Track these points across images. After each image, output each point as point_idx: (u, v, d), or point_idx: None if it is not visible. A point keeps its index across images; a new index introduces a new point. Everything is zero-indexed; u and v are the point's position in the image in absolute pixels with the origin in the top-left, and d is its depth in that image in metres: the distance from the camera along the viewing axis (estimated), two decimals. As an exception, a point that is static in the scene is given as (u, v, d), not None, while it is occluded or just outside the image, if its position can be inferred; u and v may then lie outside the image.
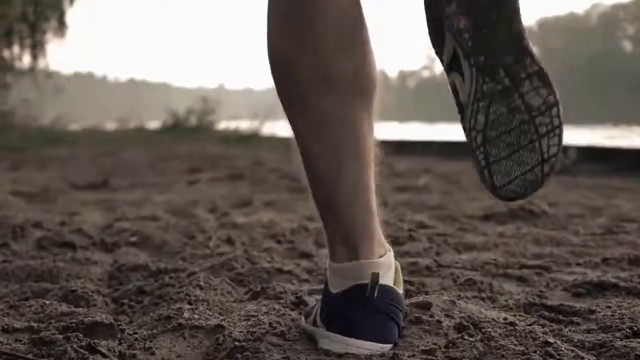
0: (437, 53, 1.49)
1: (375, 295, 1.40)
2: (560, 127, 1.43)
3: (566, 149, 7.29)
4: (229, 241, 2.47)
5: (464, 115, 1.45)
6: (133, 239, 2.53)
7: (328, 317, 1.43)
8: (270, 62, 1.46)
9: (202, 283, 1.76)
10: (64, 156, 8.76)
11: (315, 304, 1.52)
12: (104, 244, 2.47)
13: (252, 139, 12.44)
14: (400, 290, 1.46)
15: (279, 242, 2.50)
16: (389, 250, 1.49)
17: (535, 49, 1.47)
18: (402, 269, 1.50)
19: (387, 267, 1.44)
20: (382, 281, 1.41)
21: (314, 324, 1.46)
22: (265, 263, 2.04)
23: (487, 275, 2.00)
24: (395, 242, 2.46)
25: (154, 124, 17.37)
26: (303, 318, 1.52)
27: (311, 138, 1.46)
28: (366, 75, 1.45)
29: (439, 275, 1.96)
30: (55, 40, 19.98)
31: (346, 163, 1.46)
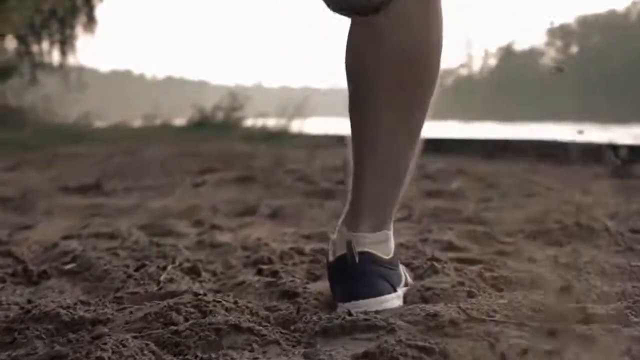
0: None
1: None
2: None
3: (616, 147, 6.65)
4: (192, 271, 1.86)
5: None
6: (69, 266, 1.94)
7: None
8: None
9: (109, 353, 1.16)
10: (77, 154, 8.23)
11: None
12: (27, 274, 1.87)
13: (278, 136, 11.89)
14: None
15: (259, 272, 1.89)
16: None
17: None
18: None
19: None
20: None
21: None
22: (222, 313, 1.43)
23: (539, 333, 1.38)
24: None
25: (181, 121, 16.93)
26: None
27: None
28: None
29: (470, 337, 1.34)
30: (85, 36, 19.71)
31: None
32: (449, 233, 2.48)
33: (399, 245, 2.14)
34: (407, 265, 1.96)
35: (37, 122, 12.87)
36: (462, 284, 1.66)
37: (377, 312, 1.47)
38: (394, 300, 1.58)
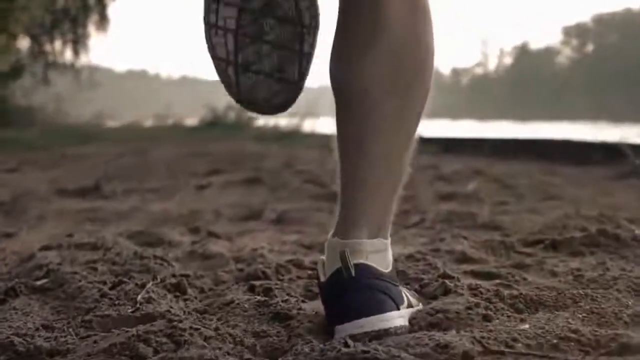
0: None
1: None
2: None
3: (635, 147, 6.44)
4: (177, 288, 1.67)
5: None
6: (41, 282, 1.74)
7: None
8: None
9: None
10: (84, 155, 8.06)
11: None
12: (-9, 291, 1.68)
13: (290, 136, 11.70)
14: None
15: (251, 288, 1.69)
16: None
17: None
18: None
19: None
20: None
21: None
22: (199, 344, 1.23)
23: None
24: (420, 292, 1.65)
25: (193, 121, 16.76)
26: None
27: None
28: None
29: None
30: (98, 35, 19.62)
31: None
32: (463, 243, 2.27)
33: (409, 257, 1.95)
34: (416, 280, 1.76)
35: (46, 122, 12.73)
36: (477, 305, 1.46)
37: (378, 342, 1.26)
38: (397, 319, 1.37)
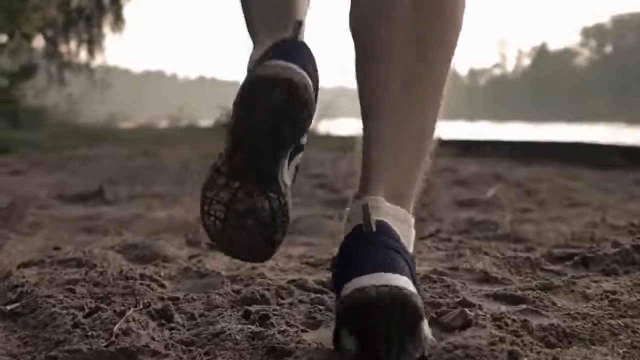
0: None
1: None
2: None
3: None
4: (162, 315, 1.48)
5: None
6: (12, 307, 1.55)
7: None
8: None
9: None
10: (93, 157, 7.90)
11: None
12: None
13: (305, 138, 11.53)
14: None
15: (246, 315, 1.49)
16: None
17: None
18: None
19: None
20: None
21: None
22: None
23: None
24: (436, 321, 1.46)
25: (208, 122, 16.61)
26: None
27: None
28: None
29: None
30: (113, 36, 19.59)
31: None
32: (484, 259, 2.07)
33: (424, 278, 1.76)
34: (432, 305, 1.57)
35: (58, 123, 12.59)
36: (502, 340, 1.26)
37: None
38: (411, 287, 1.23)
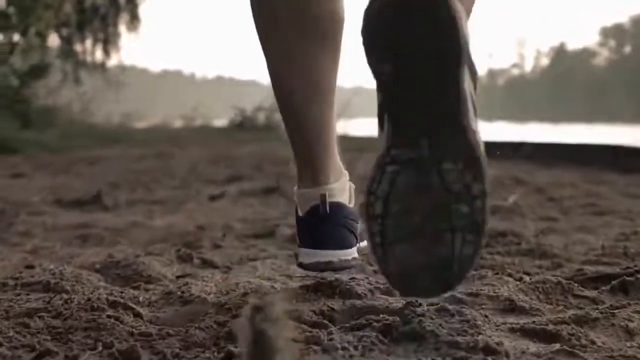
0: None
1: (328, 210, 1.63)
2: (480, 225, 1.23)
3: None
4: (126, 358, 1.24)
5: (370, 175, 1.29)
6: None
7: (299, 235, 1.71)
8: None
9: None
10: (102, 157, 7.71)
11: None
12: None
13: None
14: (351, 204, 1.72)
15: (228, 358, 1.26)
16: (345, 176, 1.74)
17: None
18: None
19: (340, 190, 1.69)
20: (335, 199, 1.66)
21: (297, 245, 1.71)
22: None
23: None
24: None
25: (222, 122, 16.45)
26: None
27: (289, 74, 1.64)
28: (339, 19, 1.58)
29: None
30: (129, 35, 19.47)
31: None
32: (509, 282, 1.82)
33: (440, 310, 1.51)
34: (448, 345, 1.32)
35: (70, 122, 12.40)
36: (535, 398, 1.02)
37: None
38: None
